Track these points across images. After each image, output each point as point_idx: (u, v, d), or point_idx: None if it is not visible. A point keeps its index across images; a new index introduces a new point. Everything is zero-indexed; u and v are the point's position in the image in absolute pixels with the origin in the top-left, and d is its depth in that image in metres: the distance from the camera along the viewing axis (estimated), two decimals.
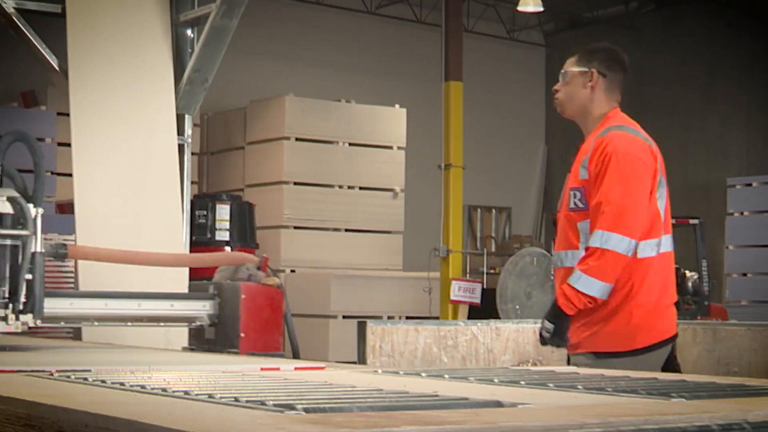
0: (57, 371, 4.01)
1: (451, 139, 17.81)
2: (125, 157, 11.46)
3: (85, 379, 3.74)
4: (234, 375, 4.14)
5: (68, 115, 11.62)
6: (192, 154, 12.26)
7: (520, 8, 26.08)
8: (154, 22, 12.09)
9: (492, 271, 22.71)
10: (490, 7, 29.78)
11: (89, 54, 11.73)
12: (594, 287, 6.16)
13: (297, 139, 19.72)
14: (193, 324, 7.14)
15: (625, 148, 6.34)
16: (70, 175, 11.58)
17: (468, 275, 19.78)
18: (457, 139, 17.81)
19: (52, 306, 6.38)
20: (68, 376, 3.85)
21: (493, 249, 26.33)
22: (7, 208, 6.15)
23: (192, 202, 12.05)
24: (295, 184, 19.56)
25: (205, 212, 17.01)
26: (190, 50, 12.26)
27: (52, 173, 18.52)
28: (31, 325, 6.05)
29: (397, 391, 3.53)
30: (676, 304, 6.69)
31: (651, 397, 3.47)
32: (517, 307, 16.45)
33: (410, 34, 28.89)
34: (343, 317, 16.96)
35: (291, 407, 2.97)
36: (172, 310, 7.12)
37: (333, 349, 16.36)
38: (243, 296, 6.87)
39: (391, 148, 20.42)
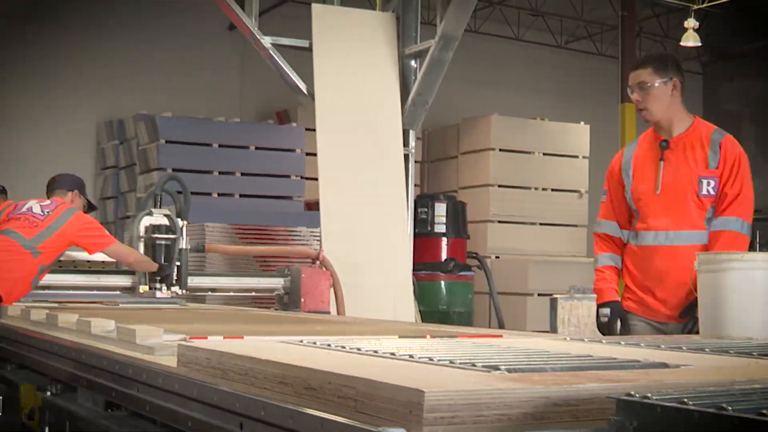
0: (306, 338, 4.06)
1: None
2: (360, 164, 11.55)
3: (329, 345, 3.78)
4: (449, 342, 4.14)
5: (314, 130, 11.75)
6: (415, 162, 12.32)
7: (682, 43, 25.94)
8: (384, 55, 12.15)
9: None
10: (658, 42, 29.67)
11: (331, 80, 11.84)
12: None
13: (500, 150, 19.81)
14: (274, 293, 9.02)
15: (742, 150, 6.30)
16: (316, 179, 11.70)
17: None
18: None
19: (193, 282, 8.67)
20: (314, 343, 3.88)
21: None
22: (164, 221, 8.46)
23: (415, 201, 12.11)
24: (499, 186, 19.64)
25: (425, 209, 17.09)
26: (413, 78, 12.30)
27: (301, 177, 18.75)
28: (178, 293, 8.34)
29: (582, 355, 3.50)
30: None
31: None
32: None
33: (592, 64, 28.85)
34: (538, 295, 16.92)
35: (496, 368, 2.96)
36: (259, 284, 9.31)
37: (530, 321, 16.31)
38: (303, 276, 8.79)
39: (576, 157, 20.41)
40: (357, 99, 11.85)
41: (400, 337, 4.61)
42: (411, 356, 3.31)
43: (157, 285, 8.20)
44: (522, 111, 22.31)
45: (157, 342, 4.36)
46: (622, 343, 4.20)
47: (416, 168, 12.80)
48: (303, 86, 12.25)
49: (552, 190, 20.13)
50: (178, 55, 23.43)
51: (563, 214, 20.22)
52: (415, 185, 12.48)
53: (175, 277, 8.27)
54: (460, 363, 3.11)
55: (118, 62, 22.83)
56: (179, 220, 8.58)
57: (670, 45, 29.25)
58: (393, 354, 3.40)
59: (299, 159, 19.00)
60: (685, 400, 2.14)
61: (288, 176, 19.01)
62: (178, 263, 8.33)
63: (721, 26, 28.45)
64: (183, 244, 8.46)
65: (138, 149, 19.54)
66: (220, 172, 18.48)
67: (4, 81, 21.59)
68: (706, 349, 3.78)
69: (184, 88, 23.11)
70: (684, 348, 3.87)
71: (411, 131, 12.21)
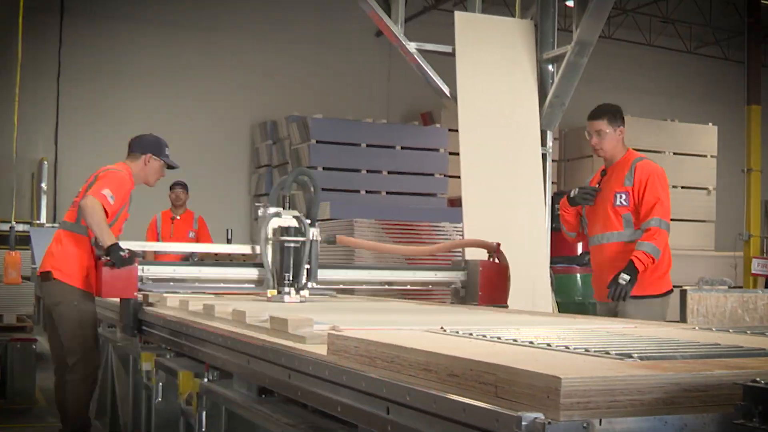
0: (448, 327, 4.06)
1: (752, 150, 17.42)
2: (501, 163, 11.53)
3: (470, 334, 3.78)
4: (584, 332, 4.13)
5: (457, 130, 11.75)
6: (552, 161, 12.26)
7: None
8: (523, 60, 12.12)
9: None
10: None
11: (473, 84, 11.82)
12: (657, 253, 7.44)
13: (633, 150, 19.60)
14: (451, 286, 8.38)
15: (658, 169, 7.85)
16: (458, 177, 11.70)
17: (765, 254, 19.27)
18: (756, 150, 17.43)
19: (327, 275, 8.04)
20: (456, 332, 3.89)
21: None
22: (293, 223, 7.74)
23: (552, 198, 12.02)
24: None
25: None
26: (551, 81, 12.25)
27: (444, 175, 18.80)
28: (306, 296, 7.57)
29: (710, 343, 3.47)
30: None
31: None
32: None
33: (720, 68, 28.64)
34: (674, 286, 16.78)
35: (629, 356, 2.96)
36: (436, 278, 8.49)
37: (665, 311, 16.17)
38: (480, 269, 8.10)
39: (705, 156, 20.27)
40: (497, 101, 11.84)
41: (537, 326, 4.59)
42: (548, 345, 3.32)
43: (286, 289, 7.53)
44: (653, 112, 22.20)
45: (308, 331, 4.40)
46: (749, 332, 4.16)
47: (553, 167, 12.75)
48: (446, 89, 12.27)
49: (681, 187, 20.07)
50: (327, 59, 23.64)
51: (692, 210, 20.15)
52: (552, 183, 12.42)
53: (303, 280, 7.58)
54: (595, 351, 3.11)
55: (271, 68, 23.10)
56: (308, 221, 7.84)
57: None
58: (531, 342, 3.41)
59: (443, 158, 19.04)
60: None
61: (432, 174, 19.07)
62: (308, 265, 7.66)
63: None
64: (312, 246, 7.77)
65: (290, 149, 19.75)
66: (367, 171, 18.59)
67: (169, 86, 21.96)
68: None
69: (333, 90, 23.32)
70: None
71: (548, 132, 12.16)
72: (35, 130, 21.34)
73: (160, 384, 6.72)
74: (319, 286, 7.93)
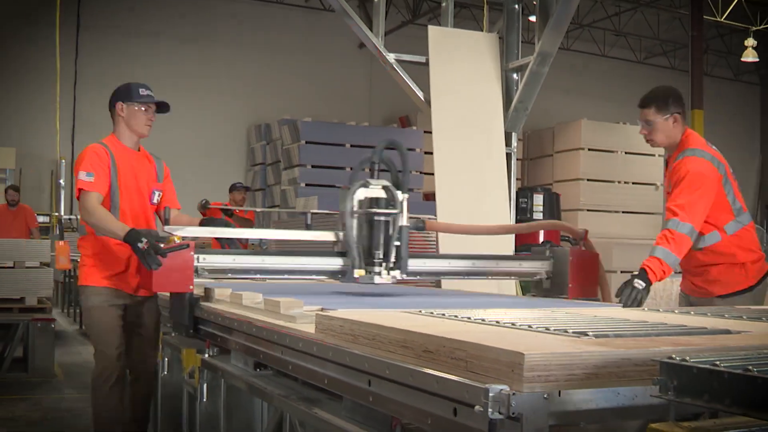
0: (422, 310, 4.05)
1: None
2: (470, 161, 11.53)
3: (443, 314, 3.78)
4: (545, 312, 4.13)
5: (431, 132, 11.75)
6: (516, 159, 12.26)
7: (743, 59, 26.35)
8: (490, 69, 12.11)
9: None
10: (722, 58, 29.58)
11: (445, 90, 11.82)
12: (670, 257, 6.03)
13: (589, 150, 19.84)
14: (536, 277, 6.89)
15: (694, 166, 6.23)
16: (432, 173, 11.70)
17: None
18: None
19: (414, 264, 6.42)
20: (431, 313, 3.88)
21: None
22: (382, 194, 6.17)
23: (516, 193, 12.05)
24: (588, 180, 19.65)
25: (525, 200, 17.19)
26: (515, 88, 12.25)
27: (420, 173, 18.83)
28: (399, 278, 6.14)
29: (658, 323, 3.47)
30: None
31: None
32: None
33: (667, 76, 28.73)
34: (621, 272, 16.79)
35: (585, 334, 2.96)
36: (521, 268, 7.01)
37: (614, 293, 16.20)
38: (571, 258, 6.68)
39: (653, 155, 20.32)
40: (467, 106, 11.84)
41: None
42: (513, 324, 3.32)
43: (376, 269, 6.06)
44: (607, 116, 22.27)
45: (298, 312, 4.39)
46: (692, 312, 4.16)
47: (517, 165, 12.74)
48: (421, 95, 12.26)
49: (633, 183, 20.20)
50: (315, 68, 23.68)
51: (642, 204, 20.29)
52: (517, 179, 12.42)
53: (393, 259, 6.11)
54: (555, 330, 3.10)
55: (264, 76, 23.13)
56: (399, 192, 6.30)
57: (733, 60, 29.20)
58: (498, 322, 3.40)
59: (418, 157, 19.09)
60: (717, 362, 2.15)
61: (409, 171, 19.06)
62: (397, 243, 6.16)
63: None
64: (403, 221, 6.25)
65: (282, 149, 19.82)
66: (351, 168, 18.59)
67: (173, 92, 21.95)
68: (764, 318, 3.74)
69: (320, 96, 23.35)
70: (744, 317, 3.83)
71: (513, 133, 12.16)
72: (54, 131, 21.34)
73: (166, 359, 6.71)
74: (386, 282, 6.27)
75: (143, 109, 6.69)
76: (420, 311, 3.98)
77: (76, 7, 21.75)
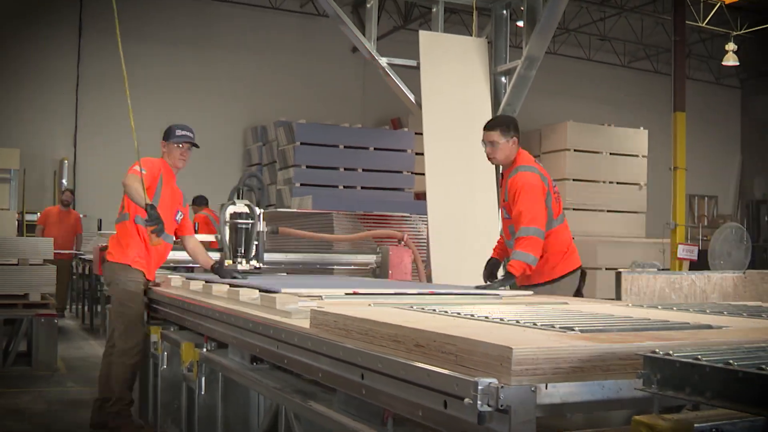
0: (415, 304, 4.06)
1: (677, 150, 17.52)
2: (459, 162, 11.53)
3: (434, 310, 3.78)
4: (532, 308, 4.12)
5: (422, 134, 11.75)
6: None
7: (724, 63, 26.27)
8: (479, 72, 12.12)
9: (705, 238, 22.60)
10: (704, 62, 29.65)
11: (436, 93, 11.82)
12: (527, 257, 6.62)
13: (575, 150, 19.87)
14: (369, 266, 9.27)
15: (524, 182, 6.77)
16: (423, 174, 11.71)
17: (689, 241, 19.36)
18: (681, 151, 17.52)
19: (268, 257, 8.70)
20: (422, 308, 3.88)
21: (705, 224, 25.97)
22: (245, 209, 8.39)
23: None
24: (574, 180, 19.67)
25: None
26: (503, 91, 12.27)
27: (411, 173, 18.83)
28: (257, 266, 8.27)
29: (641, 318, 3.48)
30: None
31: None
32: (722, 261, 16.30)
33: (650, 80, 28.90)
34: (606, 269, 16.82)
35: (571, 329, 2.96)
36: (357, 260, 9.64)
37: (599, 290, 16.20)
38: (390, 253, 9.11)
39: (637, 156, 20.40)
40: (456, 108, 11.84)
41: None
42: (501, 319, 3.32)
43: (239, 260, 8.24)
44: (592, 118, 22.31)
45: (294, 307, 4.39)
46: (674, 308, 4.17)
47: None
48: (412, 98, 12.27)
49: (617, 183, 20.21)
50: (310, 72, 23.68)
51: (626, 203, 20.30)
52: None
53: (253, 253, 8.29)
54: (542, 325, 3.11)
55: (261, 79, 23.12)
56: (257, 208, 8.48)
57: (714, 64, 29.32)
58: (487, 317, 3.41)
59: (410, 158, 19.09)
60: (699, 356, 2.15)
61: (400, 172, 19.12)
62: (256, 242, 8.32)
63: (756, 48, 28.35)
64: (260, 227, 8.44)
65: (278, 150, 19.81)
66: (345, 169, 18.64)
67: (173, 95, 21.89)
68: (744, 314, 3.75)
69: (315, 99, 23.36)
70: (725, 312, 3.84)
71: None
72: (57, 133, 21.34)
73: (165, 353, 6.71)
74: (247, 269, 8.23)
75: (178, 146, 7.90)
76: (412, 306, 3.98)
77: (78, 12, 21.73)
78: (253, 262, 8.30)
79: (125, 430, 7.37)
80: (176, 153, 7.88)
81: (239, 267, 8.10)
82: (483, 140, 7.05)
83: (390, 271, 8.93)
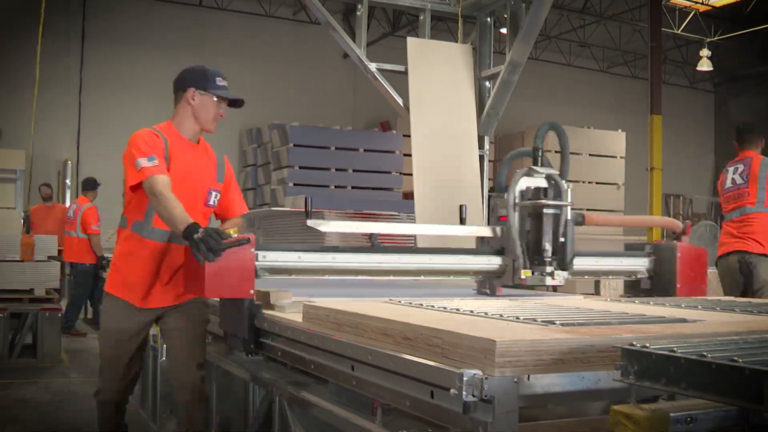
0: (403, 299, 4.05)
1: (654, 152, 17.57)
2: (445, 163, 11.53)
3: (421, 305, 3.77)
4: (515, 302, 4.12)
5: (410, 136, 11.74)
6: (489, 161, 12.29)
7: (698, 68, 26.61)
8: (464, 77, 12.11)
9: None
10: (679, 68, 29.73)
11: (422, 97, 11.81)
12: None
13: (556, 152, 19.74)
14: (633, 277, 5.69)
15: None
16: (411, 174, 11.70)
17: (665, 238, 19.40)
18: (658, 152, 17.58)
19: (578, 263, 5.32)
20: (410, 303, 3.88)
21: (681, 222, 26.10)
22: (545, 184, 5.31)
23: (489, 192, 12.03)
24: None
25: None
26: (487, 95, 12.28)
27: (399, 173, 18.83)
28: (567, 278, 5.17)
29: (619, 312, 3.49)
30: None
31: None
32: None
33: (628, 84, 28.86)
34: None
35: (552, 322, 2.97)
36: (621, 266, 5.73)
37: (578, 285, 16.21)
38: (678, 254, 5.49)
39: (615, 157, 20.37)
40: (443, 112, 11.84)
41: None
42: (486, 313, 3.32)
43: (547, 269, 5.08)
44: (572, 121, 22.29)
45: (287, 302, 4.38)
46: (651, 303, 4.17)
47: (489, 166, 12.72)
48: (401, 101, 12.26)
49: (596, 183, 20.17)
50: (303, 77, 23.66)
51: (605, 202, 20.25)
52: (489, 179, 12.41)
53: (564, 257, 5.17)
54: (524, 319, 3.11)
55: (256, 83, 23.08)
56: (564, 182, 5.42)
57: (689, 70, 29.40)
58: (472, 311, 3.40)
59: (398, 159, 19.08)
60: (674, 349, 2.16)
61: (389, 172, 19.12)
62: (562, 239, 5.18)
63: (730, 54, 28.44)
64: (568, 214, 5.31)
65: (272, 151, 19.80)
66: (336, 169, 18.61)
67: (171, 99, 21.86)
68: (717, 308, 3.75)
69: (308, 102, 23.35)
70: (699, 307, 3.84)
71: (486, 137, 12.19)
72: (61, 135, 21.32)
73: (164, 346, 6.68)
74: (559, 284, 5.21)
75: (216, 101, 5.37)
76: (399, 301, 3.98)
77: (81, 20, 21.70)
78: (563, 273, 5.14)
79: None
80: (212, 111, 5.36)
81: (548, 281, 5.09)
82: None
83: (678, 286, 5.46)
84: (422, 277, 5.09)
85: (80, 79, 21.68)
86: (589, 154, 20.21)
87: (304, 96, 23.49)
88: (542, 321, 3.02)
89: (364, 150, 19.18)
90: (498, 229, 5.27)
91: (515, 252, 5.07)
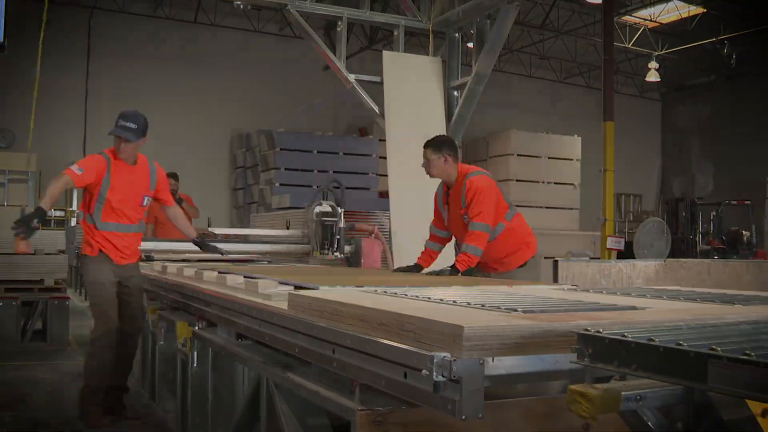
0: (378, 288, 4.05)
1: (607, 155, 17.59)
2: (416, 165, 11.52)
3: (395, 293, 3.77)
4: (482, 291, 4.12)
5: (384, 140, 11.75)
6: None
7: (647, 79, 26.98)
8: (434, 87, 12.13)
9: (630, 231, 22.80)
10: (630, 78, 29.87)
11: (396, 105, 11.83)
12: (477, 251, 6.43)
13: (518, 155, 19.92)
14: (343, 255, 9.01)
15: (481, 184, 6.63)
16: (386, 175, 11.70)
17: (617, 234, 19.44)
18: (610, 155, 17.59)
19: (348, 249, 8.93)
20: (385, 291, 3.87)
21: (631, 218, 26.16)
22: (329, 209, 8.81)
23: None
24: (517, 180, 19.75)
25: None
26: (456, 103, 12.29)
27: (375, 174, 18.85)
28: (339, 256, 8.75)
29: (575, 300, 3.48)
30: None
31: (723, 304, 3.36)
32: (645, 251, 16.43)
33: (583, 93, 28.97)
34: (545, 258, 16.87)
35: (515, 310, 2.96)
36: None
37: (540, 276, 16.30)
38: (363, 244, 8.95)
39: (572, 160, 20.51)
40: (414, 119, 11.85)
41: (448, 287, 4.56)
42: (454, 301, 3.31)
43: (325, 251, 8.71)
44: (533, 127, 22.38)
45: (274, 291, 4.38)
46: (604, 292, 4.17)
47: None
48: (377, 109, 12.26)
49: (554, 183, 20.28)
50: (288, 86, 23.62)
51: (562, 200, 20.40)
52: None
53: (335, 247, 8.73)
54: (489, 306, 3.11)
55: (245, 92, 23.08)
56: (339, 208, 8.88)
57: (638, 80, 29.51)
58: (441, 300, 3.40)
59: (374, 161, 19.15)
60: (625, 333, 2.16)
61: (366, 173, 19.18)
62: (338, 237, 8.75)
63: (675, 66, 28.61)
64: (341, 224, 8.82)
65: (260, 154, 19.84)
66: (318, 171, 18.67)
67: (168, 106, 21.77)
68: (664, 297, 3.76)
69: (292, 110, 23.32)
70: (648, 295, 3.84)
71: (454, 141, 12.21)
72: (68, 139, 21.22)
73: (162, 330, 6.68)
74: (332, 259, 8.79)
75: (116, 137, 6.93)
76: (376, 290, 3.97)
77: (86, 37, 21.62)
78: (337, 253, 8.75)
79: (92, 419, 6.59)
80: (116, 143, 6.91)
81: (329, 257, 8.67)
82: (423, 157, 7.03)
83: (362, 260, 8.99)
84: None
85: (86, 90, 21.60)
86: (548, 157, 20.30)
87: (290, 104, 23.45)
88: (505, 308, 3.02)
89: (344, 153, 19.26)
90: (308, 230, 9.05)
91: (312, 244, 8.76)
